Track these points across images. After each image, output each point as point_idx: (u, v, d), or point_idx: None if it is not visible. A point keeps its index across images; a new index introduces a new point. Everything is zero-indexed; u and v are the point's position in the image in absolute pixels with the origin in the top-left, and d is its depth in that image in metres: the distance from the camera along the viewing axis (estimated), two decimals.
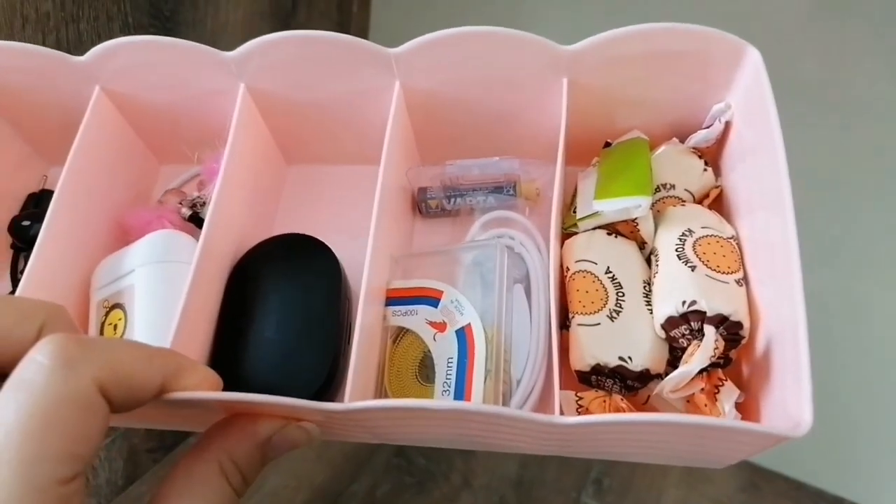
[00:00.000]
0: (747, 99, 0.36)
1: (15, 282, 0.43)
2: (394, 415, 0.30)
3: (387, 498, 0.76)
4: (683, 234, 0.35)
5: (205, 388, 0.27)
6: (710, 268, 0.33)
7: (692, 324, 0.32)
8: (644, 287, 0.35)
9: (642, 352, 0.33)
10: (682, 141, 0.40)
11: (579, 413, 0.33)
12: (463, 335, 0.35)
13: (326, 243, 0.39)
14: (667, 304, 0.33)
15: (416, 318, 0.37)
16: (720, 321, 0.32)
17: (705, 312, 0.31)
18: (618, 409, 0.33)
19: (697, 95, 0.38)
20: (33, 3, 0.52)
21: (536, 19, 0.89)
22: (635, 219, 0.36)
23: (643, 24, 0.34)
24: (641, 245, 0.37)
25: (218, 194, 0.37)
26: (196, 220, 0.43)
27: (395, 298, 0.38)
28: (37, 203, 0.46)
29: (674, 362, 0.33)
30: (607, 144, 0.41)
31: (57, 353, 0.22)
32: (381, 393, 0.37)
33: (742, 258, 0.34)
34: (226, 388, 0.28)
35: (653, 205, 0.37)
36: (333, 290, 0.37)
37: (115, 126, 0.43)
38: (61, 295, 0.37)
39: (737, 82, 0.36)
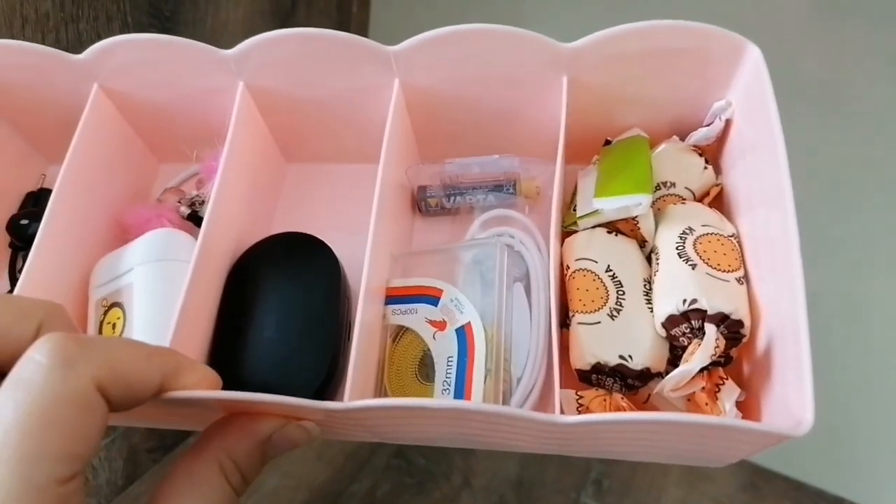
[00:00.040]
0: (748, 96, 0.35)
1: (13, 281, 0.43)
2: (393, 414, 0.30)
3: (387, 498, 0.76)
4: (684, 233, 0.35)
5: (204, 386, 0.27)
6: (710, 266, 0.33)
7: (693, 322, 0.32)
8: (644, 285, 0.35)
9: (643, 350, 0.33)
10: (683, 139, 0.39)
11: (579, 412, 0.33)
12: (463, 334, 0.35)
13: (326, 242, 0.39)
14: (667, 303, 0.33)
15: (416, 317, 0.37)
16: (721, 319, 0.31)
17: (706, 311, 0.31)
18: (618, 408, 0.32)
19: (698, 93, 0.38)
20: (33, 3, 0.52)
21: (536, 17, 0.89)
22: (636, 217, 0.36)
23: (643, 22, 0.34)
24: (642, 243, 0.37)
25: (217, 193, 0.37)
26: (195, 219, 0.43)
27: (394, 297, 0.38)
28: (35, 202, 0.46)
29: (674, 361, 0.33)
30: (607, 142, 0.41)
31: (55, 351, 0.22)
32: (380, 392, 0.36)
33: (742, 256, 0.34)
34: (225, 387, 0.28)
35: (653, 203, 0.37)
36: (333, 289, 0.37)
37: (113, 124, 0.42)
38: (60, 293, 0.37)
39: (737, 79, 0.36)
